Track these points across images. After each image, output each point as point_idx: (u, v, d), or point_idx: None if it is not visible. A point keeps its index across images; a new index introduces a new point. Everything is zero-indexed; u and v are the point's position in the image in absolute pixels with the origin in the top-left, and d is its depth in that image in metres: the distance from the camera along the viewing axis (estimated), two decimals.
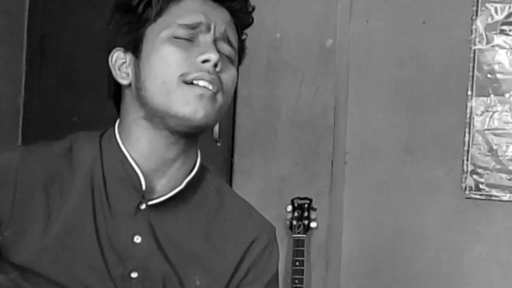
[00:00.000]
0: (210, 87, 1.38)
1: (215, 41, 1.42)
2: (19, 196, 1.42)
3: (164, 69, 1.40)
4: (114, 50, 1.47)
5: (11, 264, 1.43)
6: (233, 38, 1.48)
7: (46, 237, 1.41)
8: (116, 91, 1.52)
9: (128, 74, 1.46)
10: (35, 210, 1.43)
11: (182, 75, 1.38)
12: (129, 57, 1.46)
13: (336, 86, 3.55)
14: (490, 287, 3.54)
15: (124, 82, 1.46)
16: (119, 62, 1.47)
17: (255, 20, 3.44)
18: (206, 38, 1.42)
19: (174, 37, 1.41)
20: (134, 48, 1.45)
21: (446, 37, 3.58)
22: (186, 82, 1.38)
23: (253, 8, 1.53)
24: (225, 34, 1.45)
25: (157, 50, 1.41)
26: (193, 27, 1.41)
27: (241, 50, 1.55)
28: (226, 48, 1.44)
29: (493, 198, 3.50)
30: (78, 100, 3.99)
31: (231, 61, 1.47)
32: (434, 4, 3.63)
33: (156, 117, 1.41)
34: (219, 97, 1.41)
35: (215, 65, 1.38)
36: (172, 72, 1.38)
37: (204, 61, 1.38)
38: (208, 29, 1.42)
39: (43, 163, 1.47)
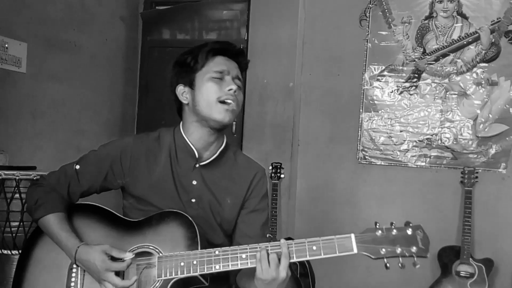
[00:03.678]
0: (233, 103, 1.43)
1: (232, 79, 1.46)
2: (133, 160, 1.48)
3: (208, 94, 1.43)
4: (178, 85, 1.49)
5: (130, 195, 1.50)
6: (240, 77, 1.50)
7: (149, 181, 1.47)
8: (179, 107, 1.54)
9: (187, 98, 1.48)
10: (141, 167, 1.48)
11: (218, 97, 1.42)
12: (187, 89, 1.48)
13: (294, 107, 3.58)
14: (371, 209, 3.55)
15: (185, 102, 1.49)
16: (181, 91, 1.49)
17: (254, 72, 3.62)
18: (228, 78, 1.45)
19: (212, 77, 1.43)
20: (190, 84, 1.46)
21: (350, 82, 3.61)
22: (220, 101, 1.42)
23: (248, 61, 1.56)
24: (236, 76, 1.48)
25: (204, 85, 1.43)
26: (221, 72, 1.44)
27: (243, 83, 1.55)
28: (237, 83, 1.47)
29: (372, 163, 3.57)
30: (164, 114, 3.82)
31: (240, 89, 1.48)
32: (343, 64, 3.61)
33: (203, 120, 1.45)
34: (236, 108, 1.45)
35: (235, 91, 1.44)
36: (213, 96, 1.42)
37: (229, 90, 1.43)
38: (229, 73, 1.45)
39: (145, 143, 1.51)
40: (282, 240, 1.27)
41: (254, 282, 1.30)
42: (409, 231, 1.24)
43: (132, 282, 1.31)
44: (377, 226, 1.25)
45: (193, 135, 1.49)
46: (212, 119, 1.43)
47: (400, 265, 1.23)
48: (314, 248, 1.24)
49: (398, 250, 1.22)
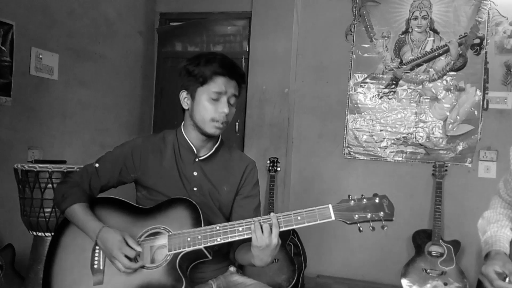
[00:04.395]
0: (224, 122, 1.44)
1: (228, 98, 1.43)
2: (143, 157, 1.47)
3: (204, 113, 1.42)
4: (182, 91, 1.48)
5: (142, 186, 1.50)
6: (236, 93, 1.46)
7: (157, 173, 1.47)
8: (183, 108, 1.51)
9: (187, 104, 1.47)
10: (150, 162, 1.48)
11: (211, 118, 1.42)
12: (188, 96, 1.46)
13: (289, 109, 3.55)
14: (353, 193, 3.63)
15: (185, 107, 1.48)
16: (184, 97, 1.48)
17: (254, 80, 3.60)
18: (224, 99, 1.42)
19: (211, 98, 1.41)
20: (191, 94, 1.45)
21: (337, 88, 3.60)
22: (213, 120, 1.43)
23: (246, 78, 1.55)
24: (232, 94, 1.44)
25: (202, 102, 1.42)
26: (219, 93, 1.41)
27: (239, 94, 1.51)
28: (232, 100, 1.45)
29: (356, 158, 3.55)
30: (177, 115, 3.91)
31: (234, 103, 1.47)
32: (331, 73, 3.59)
33: (198, 128, 1.46)
34: (225, 124, 1.45)
35: (227, 114, 1.42)
36: (207, 116, 1.42)
37: (222, 112, 1.41)
38: (226, 93, 1.42)
39: (152, 142, 1.51)
40: (272, 214, 1.29)
41: (250, 253, 1.32)
42: (377, 200, 1.27)
43: (137, 266, 1.32)
44: (350, 197, 1.28)
45: (191, 134, 1.49)
46: (205, 131, 1.45)
47: (371, 228, 1.25)
48: (299, 218, 1.27)
49: (369, 216, 1.25)
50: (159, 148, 1.49)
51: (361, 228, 1.25)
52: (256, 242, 1.27)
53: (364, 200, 1.27)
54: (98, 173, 1.48)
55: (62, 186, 1.49)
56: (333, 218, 1.25)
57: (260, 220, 1.29)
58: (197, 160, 1.49)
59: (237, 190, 1.53)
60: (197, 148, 1.50)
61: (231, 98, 1.45)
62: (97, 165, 1.49)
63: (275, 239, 1.27)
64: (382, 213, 1.25)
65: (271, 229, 1.27)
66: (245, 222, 1.31)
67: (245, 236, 1.30)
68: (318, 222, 1.25)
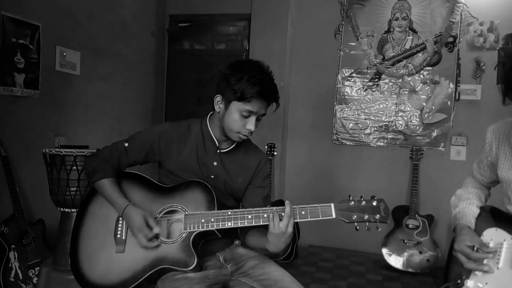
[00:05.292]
0: (245, 137, 1.39)
1: (257, 117, 1.36)
2: (168, 142, 1.43)
3: (233, 125, 1.36)
4: (218, 95, 1.38)
5: (164, 168, 1.46)
6: (265, 112, 1.38)
7: (178, 159, 1.43)
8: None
9: (219, 108, 1.38)
10: (173, 149, 1.41)
11: (238, 131, 1.36)
12: (222, 102, 1.37)
13: (284, 101, 3.51)
14: (342, 178, 3.51)
15: (217, 110, 1.39)
16: (218, 101, 1.39)
17: None
18: (253, 118, 1.35)
19: (242, 114, 1.34)
20: (226, 104, 1.36)
21: (326, 82, 3.56)
22: (238, 133, 1.37)
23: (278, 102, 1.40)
24: (262, 114, 1.37)
25: (233, 115, 1.35)
26: (251, 111, 1.33)
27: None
28: (260, 118, 1.38)
29: (343, 143, 3.54)
30: (185, 106, 3.88)
31: (260, 120, 1.40)
32: (321, 68, 3.57)
33: (223, 131, 1.40)
34: (248, 136, 1.41)
35: (251, 132, 1.38)
36: (235, 128, 1.35)
37: (248, 129, 1.35)
38: (256, 113, 1.35)
39: (178, 130, 1.45)
40: (287, 203, 1.27)
41: (264, 238, 1.30)
42: (375, 203, 1.23)
43: (153, 245, 1.32)
44: (350, 198, 1.24)
45: (215, 130, 1.45)
46: (229, 136, 1.41)
47: (366, 228, 1.23)
48: (303, 212, 1.25)
49: (366, 217, 1.22)
50: (184, 136, 1.44)
51: (358, 227, 1.22)
52: (273, 229, 1.25)
53: (363, 202, 1.23)
54: (127, 152, 1.44)
55: (93, 160, 1.43)
56: (334, 216, 1.23)
57: (277, 209, 1.26)
58: (218, 151, 1.45)
59: (250, 180, 1.50)
60: (219, 141, 1.45)
61: (259, 117, 1.38)
62: (126, 144, 1.44)
63: (290, 228, 1.24)
64: (378, 215, 1.22)
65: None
66: (254, 211, 1.28)
67: (253, 223, 1.28)
68: (320, 218, 1.23)
